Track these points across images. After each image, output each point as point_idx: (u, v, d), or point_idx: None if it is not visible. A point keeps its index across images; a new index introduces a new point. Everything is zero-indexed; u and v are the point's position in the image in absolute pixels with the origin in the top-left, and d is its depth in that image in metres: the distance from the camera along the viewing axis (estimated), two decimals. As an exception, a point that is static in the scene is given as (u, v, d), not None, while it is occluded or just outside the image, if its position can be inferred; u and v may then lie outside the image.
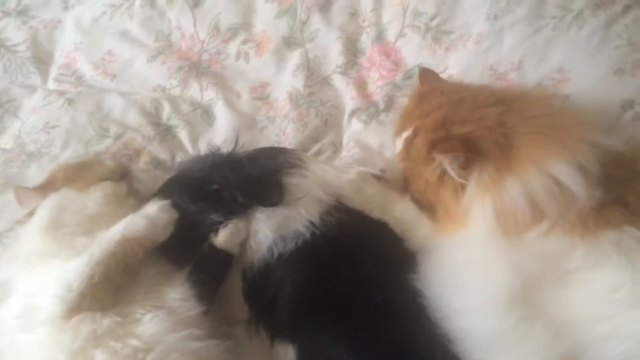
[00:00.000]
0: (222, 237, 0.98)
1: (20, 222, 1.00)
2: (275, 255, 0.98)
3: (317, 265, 0.98)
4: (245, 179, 1.03)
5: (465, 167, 0.93)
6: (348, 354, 0.88)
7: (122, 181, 1.05)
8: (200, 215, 1.01)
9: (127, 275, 0.88)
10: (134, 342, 0.82)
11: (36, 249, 0.91)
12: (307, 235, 0.98)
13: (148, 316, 0.85)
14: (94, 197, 0.98)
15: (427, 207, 1.04)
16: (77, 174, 1.00)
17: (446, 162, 0.94)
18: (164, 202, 0.97)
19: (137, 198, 1.06)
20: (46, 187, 0.99)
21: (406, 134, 1.04)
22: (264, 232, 1.00)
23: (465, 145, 0.93)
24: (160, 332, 0.84)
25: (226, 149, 1.14)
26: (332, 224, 1.00)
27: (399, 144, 1.07)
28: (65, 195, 0.97)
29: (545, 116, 0.97)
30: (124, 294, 0.87)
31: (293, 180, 1.05)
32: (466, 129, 0.95)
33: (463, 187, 0.94)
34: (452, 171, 0.94)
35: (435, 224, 1.02)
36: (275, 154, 1.15)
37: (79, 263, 0.85)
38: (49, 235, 0.93)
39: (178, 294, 0.91)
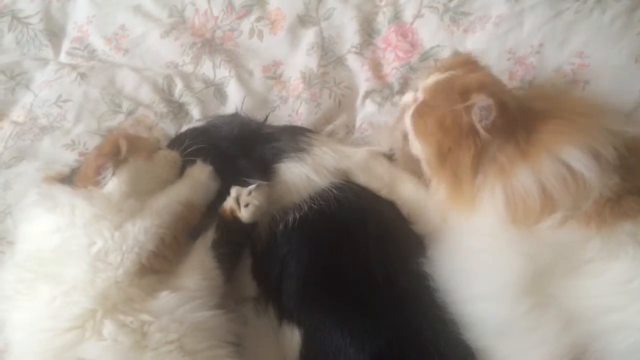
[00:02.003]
0: (247, 214, 0.99)
1: (49, 180, 1.00)
2: (280, 226, 1.00)
3: (322, 246, 0.98)
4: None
5: (490, 126, 0.91)
6: (350, 338, 0.88)
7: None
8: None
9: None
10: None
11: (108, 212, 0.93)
12: (305, 207, 1.00)
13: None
14: (162, 164, 1.04)
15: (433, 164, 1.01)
16: (137, 146, 1.03)
17: (480, 105, 0.90)
18: (210, 169, 1.05)
19: None
20: (114, 157, 1.01)
21: (452, 72, 1.01)
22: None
23: (501, 108, 0.91)
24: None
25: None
26: (336, 203, 1.00)
27: (435, 77, 1.02)
28: (137, 165, 1.00)
29: (572, 102, 0.96)
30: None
31: (289, 164, 1.06)
32: (510, 99, 0.94)
33: (481, 154, 0.92)
34: (479, 118, 0.91)
35: (444, 198, 0.99)
36: (290, 135, 1.14)
37: (149, 224, 0.91)
38: (124, 202, 0.95)
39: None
